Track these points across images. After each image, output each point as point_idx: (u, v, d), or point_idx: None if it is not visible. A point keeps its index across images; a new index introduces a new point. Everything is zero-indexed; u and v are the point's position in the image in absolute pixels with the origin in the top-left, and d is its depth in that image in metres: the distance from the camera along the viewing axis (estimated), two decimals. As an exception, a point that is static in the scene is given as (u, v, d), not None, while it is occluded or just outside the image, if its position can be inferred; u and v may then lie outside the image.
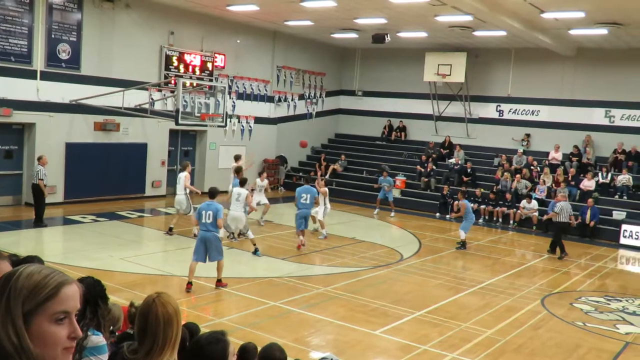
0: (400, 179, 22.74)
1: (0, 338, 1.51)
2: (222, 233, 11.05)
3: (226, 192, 15.54)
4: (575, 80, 22.67)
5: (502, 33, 19.77)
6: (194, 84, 19.93)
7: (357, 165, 25.27)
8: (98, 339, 3.23)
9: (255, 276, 11.74)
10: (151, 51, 19.44)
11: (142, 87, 18.12)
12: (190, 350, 3.05)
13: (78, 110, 17.45)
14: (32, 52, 16.40)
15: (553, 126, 23.01)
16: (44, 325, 1.56)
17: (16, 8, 15.93)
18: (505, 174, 21.19)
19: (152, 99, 18.81)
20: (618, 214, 18.89)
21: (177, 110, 16.42)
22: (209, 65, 21.17)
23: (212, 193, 10.83)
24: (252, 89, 23.50)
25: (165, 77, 19.46)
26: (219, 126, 18.74)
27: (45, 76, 16.73)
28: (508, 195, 20.15)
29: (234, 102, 22.49)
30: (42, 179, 14.50)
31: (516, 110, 24.06)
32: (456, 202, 16.98)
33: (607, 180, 20.44)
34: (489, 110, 24.67)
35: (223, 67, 21.82)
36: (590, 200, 18.75)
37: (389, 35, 20.27)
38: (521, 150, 22.87)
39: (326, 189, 15.86)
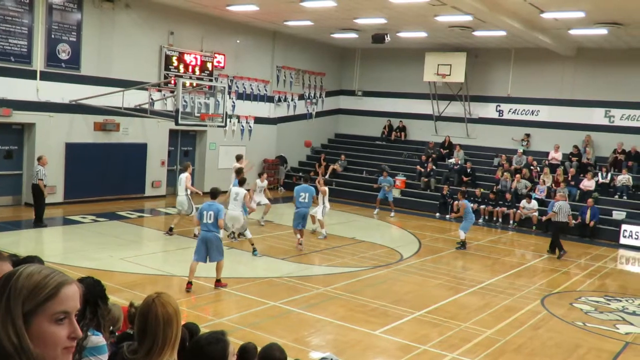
0: (400, 179, 22.74)
1: (0, 338, 1.51)
2: (222, 233, 11.05)
3: (227, 192, 15.54)
4: (575, 80, 22.68)
5: (502, 33, 19.77)
6: (194, 84, 19.93)
7: (357, 166, 25.27)
8: (98, 339, 3.23)
9: (255, 276, 11.74)
10: (151, 51, 19.44)
11: (142, 87, 18.12)
12: (190, 350, 3.05)
13: (78, 111, 17.45)
14: (32, 52, 16.40)
15: (553, 126, 23.01)
16: (44, 325, 1.56)
17: (16, 8, 15.93)
18: (505, 174, 21.19)
19: (151, 99, 18.81)
20: (618, 214, 18.90)
21: (177, 111, 16.42)
22: (209, 65, 21.18)
23: (214, 193, 10.85)
24: (251, 89, 23.51)
25: (165, 77, 19.46)
26: (218, 126, 18.74)
27: (45, 76, 16.74)
28: (508, 195, 20.15)
29: (233, 102, 22.49)
30: (41, 179, 14.50)
31: (516, 110, 24.07)
32: (456, 202, 16.99)
33: (607, 180, 20.45)
34: (488, 110, 24.67)
35: (223, 67, 21.83)
36: (590, 200, 18.76)
37: (388, 35, 20.27)
38: (521, 150, 22.87)
39: (326, 188, 15.87)
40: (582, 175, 20.82)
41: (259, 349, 4.48)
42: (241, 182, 13.58)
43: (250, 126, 23.34)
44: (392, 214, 20.02)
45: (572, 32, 18.89)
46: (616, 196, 19.94)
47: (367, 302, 10.37)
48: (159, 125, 19.50)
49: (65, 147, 17.33)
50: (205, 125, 18.35)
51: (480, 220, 19.82)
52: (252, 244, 13.28)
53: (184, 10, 19.83)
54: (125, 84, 17.73)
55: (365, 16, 19.23)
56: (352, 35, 23.01)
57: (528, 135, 23.70)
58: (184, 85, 17.90)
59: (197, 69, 20.71)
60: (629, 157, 21.16)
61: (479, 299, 11.17)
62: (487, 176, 22.72)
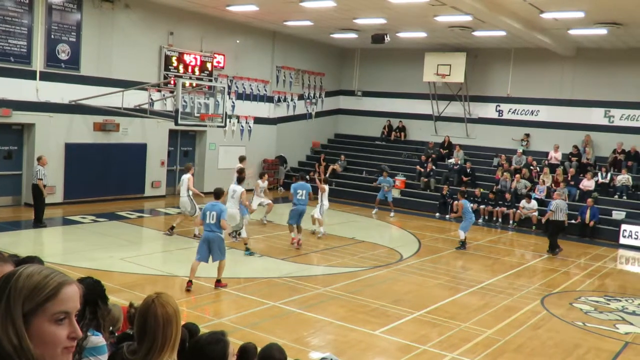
0: (399, 179, 22.75)
1: (0, 338, 1.51)
2: (224, 233, 11.06)
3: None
4: (575, 80, 22.68)
5: (502, 33, 19.77)
6: (194, 84, 19.92)
7: (357, 166, 25.28)
8: (98, 339, 3.24)
9: (255, 276, 11.74)
10: (151, 51, 19.44)
11: (141, 87, 18.12)
12: (190, 350, 3.06)
13: (77, 111, 17.45)
14: (32, 52, 16.40)
15: (552, 126, 23.02)
16: (44, 325, 1.57)
17: (16, 8, 15.93)
18: (505, 174, 21.19)
19: (151, 99, 18.81)
20: (617, 214, 18.90)
21: (177, 111, 16.41)
22: (209, 65, 21.17)
23: (217, 194, 10.84)
24: (251, 89, 23.50)
25: (165, 78, 19.46)
26: (218, 126, 18.75)
27: (45, 76, 16.73)
28: (507, 195, 20.15)
29: (233, 102, 22.48)
30: (41, 179, 14.50)
31: (516, 110, 24.07)
32: (455, 202, 17.00)
33: (607, 180, 20.45)
34: (488, 110, 24.67)
35: (222, 68, 21.82)
36: (589, 200, 18.77)
37: (388, 36, 20.28)
38: (521, 150, 22.88)
39: (325, 186, 15.95)
40: (581, 175, 20.83)
41: (258, 349, 4.47)
42: (239, 180, 13.59)
43: (250, 126, 23.34)
44: (392, 214, 20.03)
45: (572, 32, 18.89)
46: (616, 196, 19.95)
47: (367, 302, 10.37)
48: (159, 125, 19.50)
49: (65, 148, 17.33)
50: (205, 126, 18.35)
51: (480, 220, 19.83)
52: (246, 244, 13.31)
53: (183, 10, 19.83)
54: (125, 84, 17.72)
55: (364, 16, 19.24)
56: (352, 35, 23.01)
57: (528, 135, 23.71)
58: (183, 85, 17.89)
59: (196, 69, 20.71)
60: (629, 157, 21.16)
61: (479, 299, 11.18)
62: (487, 176, 22.72)
